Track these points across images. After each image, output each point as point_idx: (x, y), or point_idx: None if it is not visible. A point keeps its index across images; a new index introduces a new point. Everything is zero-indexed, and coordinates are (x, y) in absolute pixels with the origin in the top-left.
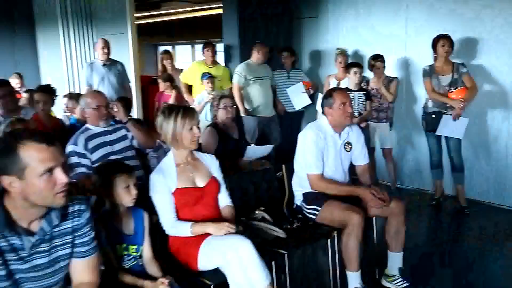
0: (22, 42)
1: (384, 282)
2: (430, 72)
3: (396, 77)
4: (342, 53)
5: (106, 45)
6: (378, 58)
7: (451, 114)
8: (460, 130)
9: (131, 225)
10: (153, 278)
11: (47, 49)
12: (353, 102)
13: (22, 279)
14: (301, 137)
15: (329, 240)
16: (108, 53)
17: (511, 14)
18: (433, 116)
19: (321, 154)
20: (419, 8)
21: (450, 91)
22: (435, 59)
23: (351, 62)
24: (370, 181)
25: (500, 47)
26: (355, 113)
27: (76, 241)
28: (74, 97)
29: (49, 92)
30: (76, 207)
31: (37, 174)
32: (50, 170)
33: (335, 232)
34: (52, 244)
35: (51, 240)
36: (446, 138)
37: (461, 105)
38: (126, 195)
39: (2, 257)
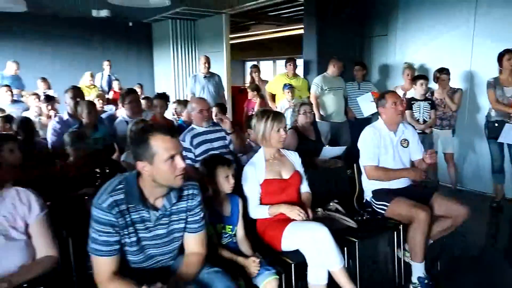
0: (143, 59)
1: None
2: (494, 84)
3: (460, 88)
4: (410, 67)
5: (207, 60)
6: (443, 71)
7: None
8: None
9: (228, 208)
10: (244, 255)
11: (161, 65)
12: (418, 110)
13: (147, 245)
14: (361, 136)
15: (395, 233)
16: (208, 67)
17: None
18: (496, 124)
19: (376, 149)
20: (486, 24)
21: None
22: (500, 72)
23: (418, 75)
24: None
25: None
26: (420, 120)
27: (189, 219)
28: (181, 103)
29: (165, 98)
30: (190, 191)
31: (163, 160)
32: (172, 157)
33: (401, 226)
34: (170, 218)
35: (170, 215)
36: (509, 145)
37: None
38: (225, 183)
39: (134, 226)
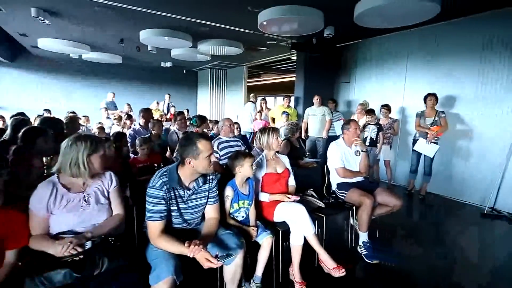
0: (191, 93)
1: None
2: (420, 115)
3: (397, 119)
4: (362, 104)
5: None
6: (385, 106)
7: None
8: (432, 152)
9: (246, 189)
10: (247, 225)
11: (201, 97)
12: (368, 131)
13: (183, 212)
14: (329, 148)
15: (350, 212)
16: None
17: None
18: (417, 139)
19: (341, 157)
20: (413, 74)
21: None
22: (426, 107)
23: (370, 109)
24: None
25: (474, 102)
26: (368, 138)
27: (210, 195)
28: (212, 121)
29: (204, 118)
30: (211, 177)
31: (204, 157)
32: (210, 155)
33: (355, 207)
34: (197, 195)
35: (197, 193)
36: (425, 156)
37: (432, 133)
38: (249, 171)
39: (175, 199)
